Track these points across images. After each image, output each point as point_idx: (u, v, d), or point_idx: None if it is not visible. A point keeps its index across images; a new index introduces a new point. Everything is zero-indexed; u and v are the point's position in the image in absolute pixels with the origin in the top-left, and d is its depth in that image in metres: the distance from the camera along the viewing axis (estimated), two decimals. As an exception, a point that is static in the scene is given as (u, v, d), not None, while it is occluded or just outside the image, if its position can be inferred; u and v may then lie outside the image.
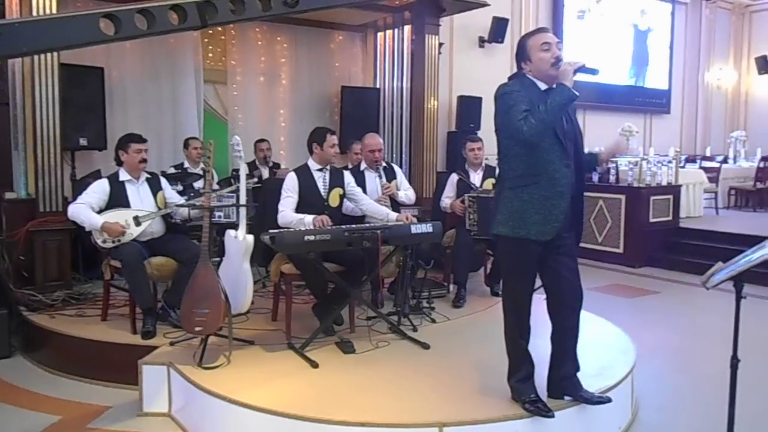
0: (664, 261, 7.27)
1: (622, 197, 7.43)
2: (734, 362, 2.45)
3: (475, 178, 5.03)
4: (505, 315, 2.84)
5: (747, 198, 9.79)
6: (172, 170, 5.78)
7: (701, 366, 4.09)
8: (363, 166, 4.82)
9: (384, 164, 4.82)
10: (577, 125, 2.79)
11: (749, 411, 2.80)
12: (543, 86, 2.68)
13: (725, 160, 10.39)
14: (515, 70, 2.81)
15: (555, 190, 2.62)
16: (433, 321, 4.25)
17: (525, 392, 2.79)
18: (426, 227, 3.77)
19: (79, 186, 5.18)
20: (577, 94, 2.52)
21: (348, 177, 4.27)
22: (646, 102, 11.29)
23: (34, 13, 4.40)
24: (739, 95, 12.62)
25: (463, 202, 4.81)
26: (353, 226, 3.62)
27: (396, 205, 4.68)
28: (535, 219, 2.62)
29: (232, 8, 2.57)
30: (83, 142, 5.63)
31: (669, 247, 7.45)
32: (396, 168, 5.05)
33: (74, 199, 4.19)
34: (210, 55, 7.07)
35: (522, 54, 2.71)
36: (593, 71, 2.62)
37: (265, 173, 6.24)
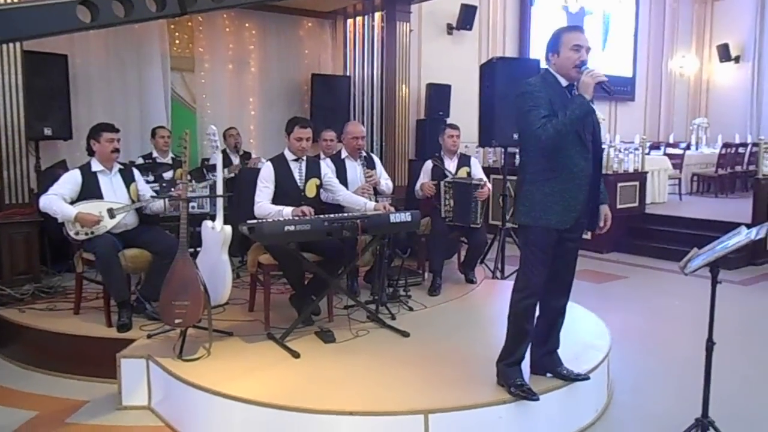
0: (631, 246, 7.45)
1: (590, 184, 7.53)
2: (710, 345, 2.55)
3: (450, 165, 5.04)
4: (515, 299, 2.89)
5: (709, 184, 10.06)
6: (141, 161, 5.67)
7: (671, 348, 4.21)
8: (344, 154, 4.74)
9: (363, 153, 4.80)
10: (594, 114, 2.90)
11: (721, 391, 2.90)
12: (564, 82, 2.80)
13: (688, 147, 10.66)
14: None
15: (573, 183, 2.77)
16: (411, 309, 4.28)
17: (512, 376, 2.88)
18: (405, 216, 3.76)
19: (45, 177, 5.05)
20: (594, 107, 2.67)
21: (325, 168, 4.23)
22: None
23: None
24: (701, 83, 12.93)
25: (437, 187, 4.83)
26: (333, 215, 3.61)
27: (376, 194, 4.65)
28: (556, 209, 2.76)
29: (211, -5, 2.53)
30: (47, 131, 5.49)
31: (635, 233, 7.62)
32: (374, 157, 5.01)
33: (40, 190, 4.07)
34: (177, 42, 6.94)
35: (553, 45, 2.81)
36: (608, 92, 2.71)
37: (236, 161, 6.17)
